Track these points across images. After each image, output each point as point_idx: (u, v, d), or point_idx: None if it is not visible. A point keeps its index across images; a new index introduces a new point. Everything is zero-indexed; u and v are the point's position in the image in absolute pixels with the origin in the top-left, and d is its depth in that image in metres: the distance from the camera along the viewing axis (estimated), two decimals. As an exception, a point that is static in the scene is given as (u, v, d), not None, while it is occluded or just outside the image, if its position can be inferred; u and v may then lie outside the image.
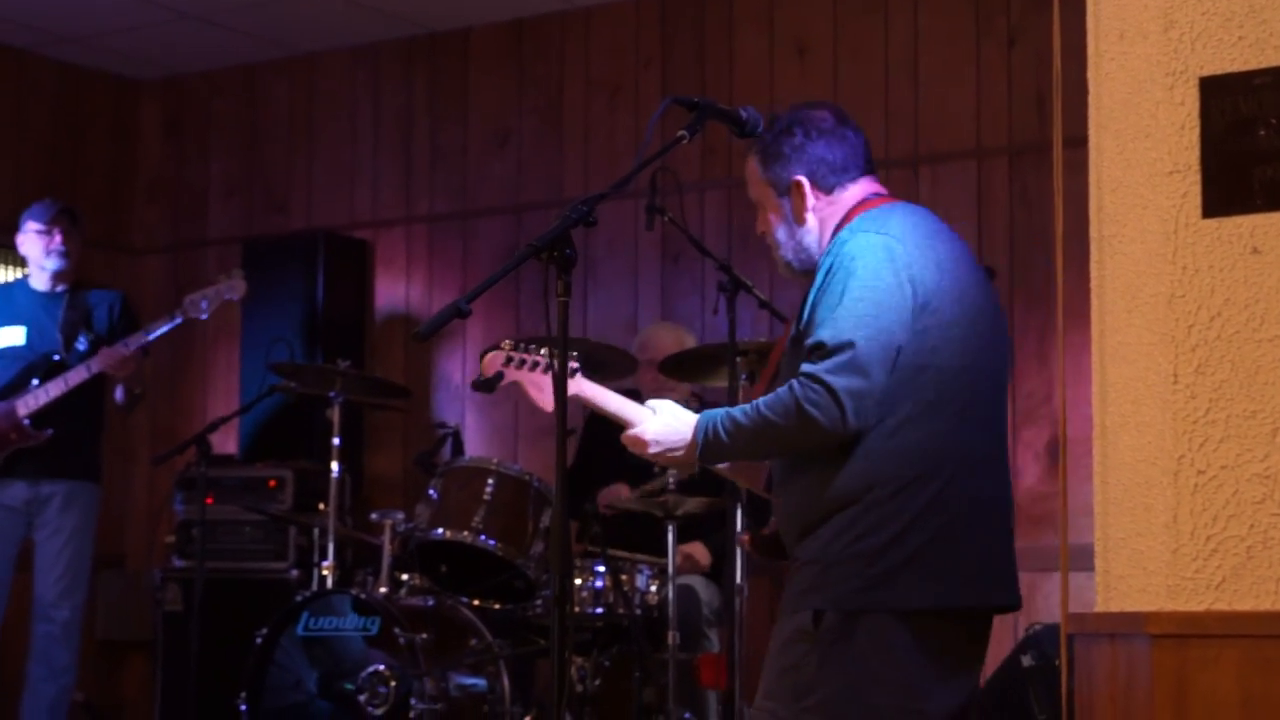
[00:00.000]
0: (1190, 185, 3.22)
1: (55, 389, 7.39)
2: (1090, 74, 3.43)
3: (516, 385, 4.16)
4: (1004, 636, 7.20)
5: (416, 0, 8.51)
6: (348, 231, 9.05)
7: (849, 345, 3.78)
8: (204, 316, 7.45)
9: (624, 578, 6.51)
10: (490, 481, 6.69)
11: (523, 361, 4.12)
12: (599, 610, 6.51)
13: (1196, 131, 3.23)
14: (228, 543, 8.14)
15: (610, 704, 6.54)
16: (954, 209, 7.62)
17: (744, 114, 4.09)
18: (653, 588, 6.55)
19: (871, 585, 3.82)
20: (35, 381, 7.43)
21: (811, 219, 4.12)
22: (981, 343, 3.99)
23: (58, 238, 7.64)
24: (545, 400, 4.07)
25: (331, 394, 7.15)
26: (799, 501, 3.97)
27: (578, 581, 6.51)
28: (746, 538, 4.37)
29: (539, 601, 6.67)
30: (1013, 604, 4.08)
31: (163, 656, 8.22)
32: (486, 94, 8.82)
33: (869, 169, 4.19)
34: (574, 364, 4.06)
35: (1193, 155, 3.23)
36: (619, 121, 8.33)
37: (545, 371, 4.09)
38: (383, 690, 6.40)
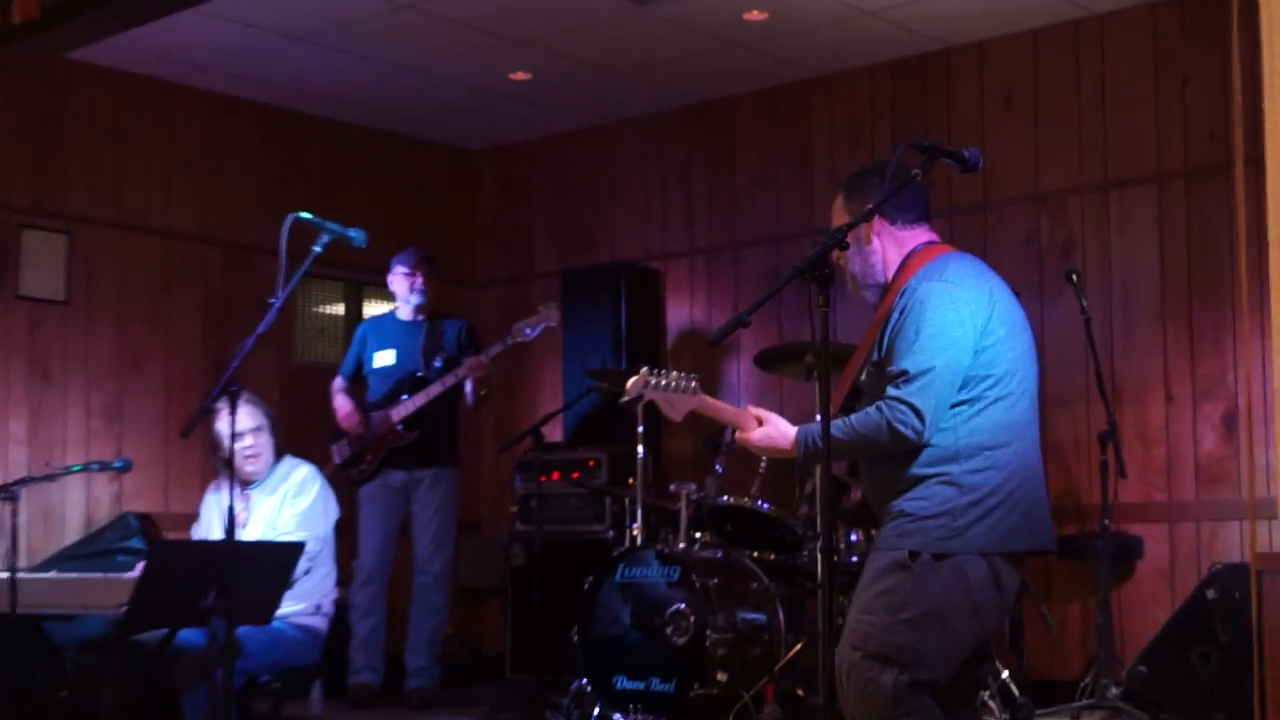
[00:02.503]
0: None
1: (420, 399, 7.53)
2: (1266, 104, 3.33)
3: (653, 401, 4.32)
4: (1190, 574, 7.03)
5: (691, 77, 8.53)
6: (644, 263, 9.08)
7: (927, 371, 3.98)
8: (530, 339, 7.54)
9: (874, 532, 6.44)
10: (764, 459, 6.66)
11: (658, 384, 4.24)
12: (854, 559, 6.45)
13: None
14: (558, 511, 8.21)
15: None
16: (1140, 225, 7.46)
17: (966, 154, 4.03)
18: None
19: (957, 534, 3.99)
20: (405, 396, 7.57)
21: (878, 242, 4.25)
22: (1019, 350, 4.15)
23: (419, 280, 7.77)
24: (673, 413, 4.30)
25: (620, 402, 7.16)
26: (890, 473, 4.09)
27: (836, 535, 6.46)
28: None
29: (805, 552, 6.63)
30: (1052, 547, 4.22)
31: (512, 600, 8.32)
32: (750, 147, 8.81)
33: (927, 217, 4.32)
34: (695, 383, 4.28)
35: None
36: (859, 164, 8.22)
37: (674, 390, 4.26)
38: (684, 624, 6.42)
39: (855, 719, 4.01)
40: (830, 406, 4.06)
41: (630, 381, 4.21)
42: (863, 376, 4.22)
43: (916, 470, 4.03)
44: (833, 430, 3.98)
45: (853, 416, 4.05)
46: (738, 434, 4.25)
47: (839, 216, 4.28)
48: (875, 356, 4.14)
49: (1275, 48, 3.28)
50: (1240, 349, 7.00)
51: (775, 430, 4.18)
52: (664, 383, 4.23)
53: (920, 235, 4.27)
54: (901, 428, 3.95)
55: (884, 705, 3.95)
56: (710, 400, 4.31)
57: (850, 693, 4.00)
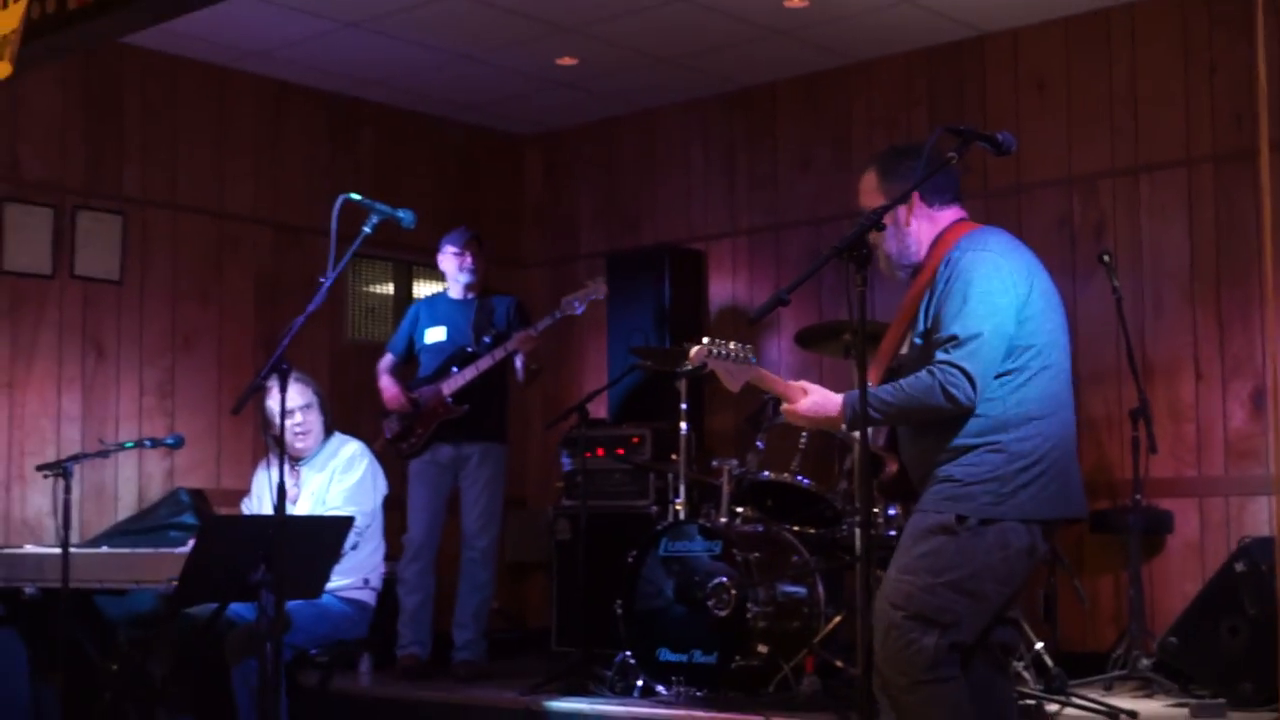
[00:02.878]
0: (1374, 177, 3.10)
1: (470, 373, 7.49)
2: (1288, 90, 3.30)
3: (714, 371, 4.26)
4: (1219, 548, 7.01)
5: (733, 63, 8.51)
6: (686, 244, 9.07)
7: (976, 336, 3.96)
8: (578, 313, 7.49)
9: (912, 506, 6.43)
10: (804, 434, 6.65)
11: (719, 354, 4.19)
12: (892, 533, 6.44)
13: (1379, 133, 3.11)
14: (603, 486, 8.20)
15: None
16: (1168, 207, 7.43)
17: (1000, 137, 4.03)
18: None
19: (1004, 500, 3.98)
20: (455, 369, 7.55)
21: (915, 224, 4.23)
22: (1056, 322, 4.14)
23: (469, 259, 7.74)
24: (731, 383, 4.22)
25: (678, 369, 7.19)
26: (935, 442, 4.06)
27: (875, 510, 6.45)
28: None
29: (844, 526, 6.62)
30: (1085, 515, 4.23)
31: (557, 574, 8.32)
32: (790, 132, 8.79)
33: (959, 198, 4.28)
34: (752, 355, 4.23)
35: (1376, 152, 3.10)
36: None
37: (733, 360, 4.19)
38: (726, 597, 6.42)
39: (889, 678, 4.00)
40: (870, 383, 4.08)
41: (693, 351, 4.19)
42: (902, 351, 4.21)
43: (964, 440, 4.02)
44: (883, 394, 3.99)
45: (903, 380, 4.02)
46: (784, 406, 4.22)
47: (870, 195, 4.27)
48: (921, 328, 4.12)
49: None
50: (1268, 328, 6.97)
51: (822, 398, 4.15)
52: (724, 352, 4.20)
53: (952, 215, 4.26)
54: (955, 390, 3.93)
55: (924, 666, 3.95)
56: (765, 372, 4.28)
57: (887, 652, 3.99)
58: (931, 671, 3.95)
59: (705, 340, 4.22)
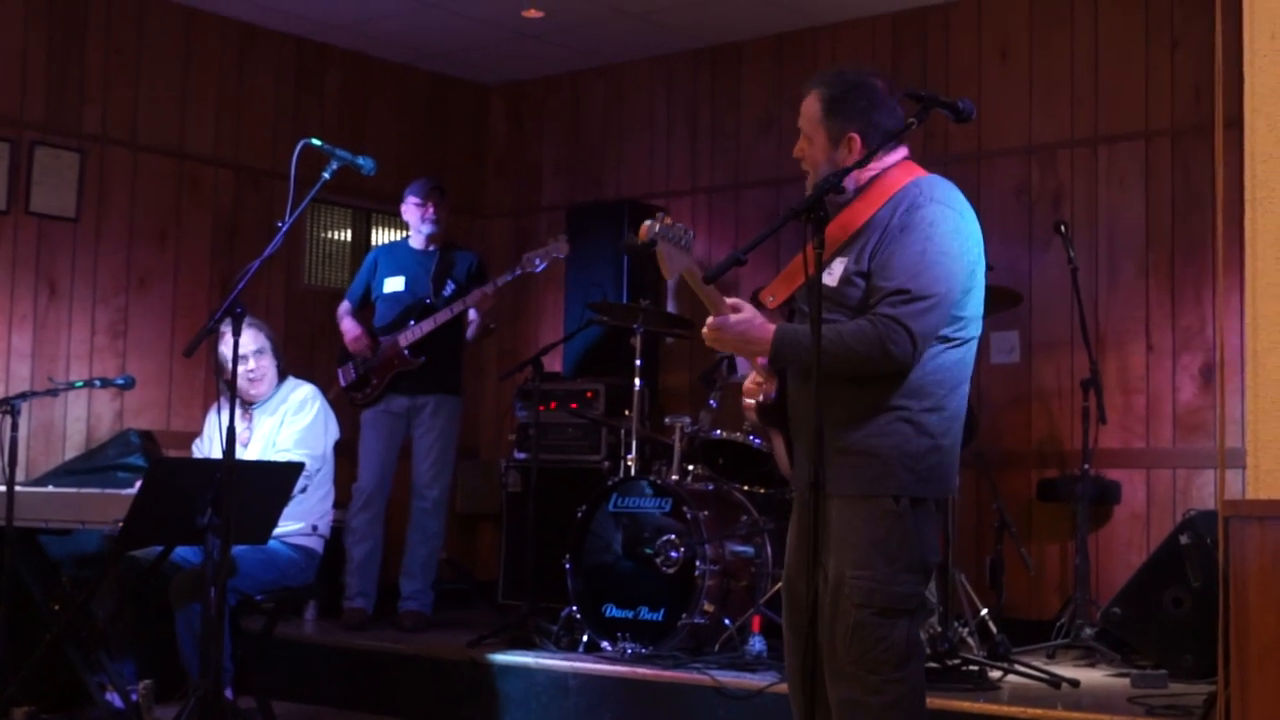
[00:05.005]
0: (1329, 156, 3.11)
1: (427, 325, 7.47)
2: (1246, 67, 3.32)
3: (657, 253, 3.85)
4: (1165, 520, 7.06)
5: (700, 21, 8.47)
6: (647, 200, 9.04)
7: (927, 297, 3.74)
8: (539, 269, 7.48)
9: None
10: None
11: (669, 234, 3.82)
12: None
13: (1335, 112, 3.12)
14: (555, 440, 8.19)
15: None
16: (1126, 178, 7.45)
17: (961, 104, 3.91)
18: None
19: (923, 480, 3.81)
20: (412, 321, 7.53)
21: (852, 160, 3.91)
22: (983, 294, 3.93)
23: (430, 210, 7.71)
24: (669, 269, 3.82)
25: (635, 325, 7.17)
26: (834, 394, 3.72)
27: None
28: (752, 403, 4.13)
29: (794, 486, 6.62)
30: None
31: (507, 526, 8.32)
32: (754, 92, 8.76)
33: (904, 140, 3.99)
34: (692, 236, 3.85)
35: (1332, 132, 3.12)
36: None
37: (676, 242, 3.81)
38: (674, 554, 6.43)
39: (858, 679, 3.78)
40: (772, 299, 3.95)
41: (644, 225, 3.81)
42: (825, 281, 3.83)
43: (877, 400, 3.79)
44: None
45: (843, 327, 3.74)
46: (710, 320, 3.87)
47: (811, 125, 4.03)
48: (865, 266, 3.84)
49: (1256, 12, 3.27)
50: (1219, 303, 6.99)
51: (756, 319, 3.86)
52: (671, 234, 3.82)
53: (898, 154, 4.02)
54: (895, 348, 3.69)
55: (898, 660, 3.77)
56: (698, 271, 3.91)
57: (856, 652, 3.78)
58: (904, 666, 3.78)
59: (658, 216, 3.86)
